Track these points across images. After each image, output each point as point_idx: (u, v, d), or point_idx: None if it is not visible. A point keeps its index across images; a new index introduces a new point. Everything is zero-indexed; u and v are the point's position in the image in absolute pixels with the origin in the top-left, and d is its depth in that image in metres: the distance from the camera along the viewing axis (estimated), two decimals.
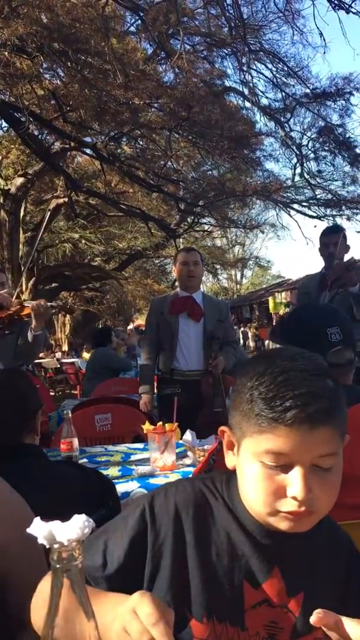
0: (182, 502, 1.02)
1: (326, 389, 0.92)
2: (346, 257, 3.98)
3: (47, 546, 0.64)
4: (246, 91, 11.81)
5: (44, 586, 0.92)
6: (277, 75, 11.91)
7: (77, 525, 0.64)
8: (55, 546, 0.64)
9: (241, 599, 0.97)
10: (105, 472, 2.30)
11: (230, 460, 1.03)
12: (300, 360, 0.95)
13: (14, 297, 3.88)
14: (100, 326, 20.93)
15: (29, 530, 0.66)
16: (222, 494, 1.04)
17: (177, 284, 4.15)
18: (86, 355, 13.72)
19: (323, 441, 0.91)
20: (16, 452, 1.72)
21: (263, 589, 0.97)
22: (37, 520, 0.66)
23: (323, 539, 1.04)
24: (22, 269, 15.13)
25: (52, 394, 11.71)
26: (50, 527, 0.64)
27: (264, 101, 12.45)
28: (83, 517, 0.65)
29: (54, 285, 18.13)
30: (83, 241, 19.10)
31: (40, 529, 0.65)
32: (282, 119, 12.46)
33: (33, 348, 3.58)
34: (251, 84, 11.26)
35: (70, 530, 0.64)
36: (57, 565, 0.63)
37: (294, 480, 0.90)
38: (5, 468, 1.35)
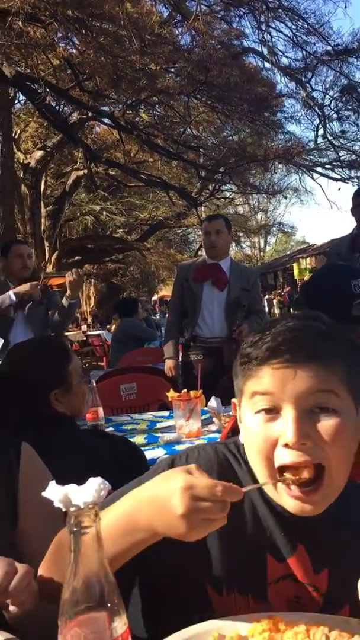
0: (205, 467, 0.93)
1: (311, 327, 0.90)
2: None
3: (64, 509, 0.63)
4: (265, 51, 11.49)
5: (62, 538, 0.89)
6: (297, 33, 11.49)
7: (92, 488, 0.63)
8: (72, 509, 0.62)
9: (264, 572, 0.93)
10: (132, 440, 2.31)
11: (241, 433, 0.98)
12: (295, 315, 0.93)
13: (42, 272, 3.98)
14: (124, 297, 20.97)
15: (44, 493, 0.65)
16: (247, 462, 0.97)
17: (200, 252, 4.13)
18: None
19: (311, 376, 0.85)
20: (48, 422, 1.72)
21: (287, 563, 0.93)
22: (52, 483, 0.65)
23: (349, 511, 0.98)
24: (45, 242, 15.20)
25: None
26: (65, 490, 0.63)
27: (284, 61, 12.09)
28: (99, 479, 0.64)
29: (76, 258, 18.18)
30: (104, 213, 19.07)
31: (55, 492, 0.63)
32: (303, 79, 12.10)
33: (67, 316, 3.70)
34: (270, 44, 10.94)
35: (86, 493, 0.63)
36: (74, 529, 0.62)
37: (285, 424, 0.85)
38: (38, 438, 1.34)
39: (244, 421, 0.93)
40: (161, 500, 0.75)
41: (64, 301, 3.66)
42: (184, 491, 0.72)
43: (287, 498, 0.88)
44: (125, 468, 1.73)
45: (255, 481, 0.94)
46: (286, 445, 0.84)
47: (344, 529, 0.97)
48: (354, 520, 0.98)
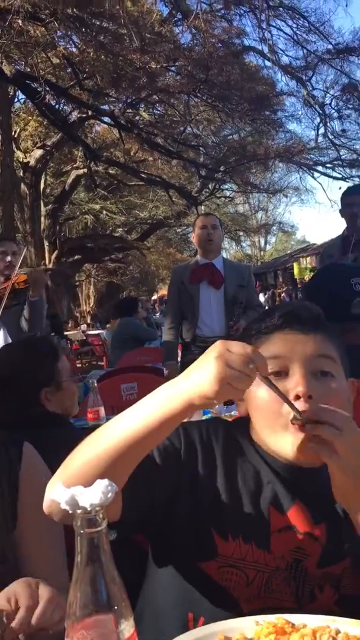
0: (213, 430, 1.09)
1: (316, 309, 1.05)
2: None
3: (70, 511, 0.62)
4: (266, 49, 11.44)
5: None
6: (298, 31, 11.44)
7: (99, 490, 0.62)
8: (78, 511, 0.62)
9: (267, 522, 1.01)
10: None
11: (242, 407, 1.08)
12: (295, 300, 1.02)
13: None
14: (124, 297, 20.95)
15: (51, 495, 0.64)
16: (248, 434, 1.08)
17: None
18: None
19: (316, 341, 1.00)
20: (41, 421, 1.71)
21: (288, 515, 1.01)
22: (59, 485, 0.64)
23: None
24: (44, 242, 15.17)
25: (78, 365, 11.81)
26: (72, 492, 0.62)
27: (285, 59, 12.02)
28: (105, 481, 0.63)
29: (76, 257, 18.16)
30: (104, 212, 19.07)
31: (62, 494, 0.63)
32: (304, 78, 12.04)
33: (31, 316, 3.57)
34: (271, 42, 10.89)
35: (93, 494, 0.62)
36: (81, 531, 0.61)
37: (295, 380, 0.97)
38: (32, 437, 1.33)
39: (254, 391, 1.00)
40: (198, 361, 0.84)
41: (27, 302, 3.55)
42: (220, 343, 0.82)
43: (289, 438, 0.96)
44: None
45: (255, 450, 1.06)
46: (296, 397, 0.95)
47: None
48: None
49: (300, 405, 0.94)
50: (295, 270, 24.03)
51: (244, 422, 1.09)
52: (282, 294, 24.23)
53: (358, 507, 0.92)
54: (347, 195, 3.97)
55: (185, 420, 0.89)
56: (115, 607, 0.62)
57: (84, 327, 17.73)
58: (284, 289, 23.77)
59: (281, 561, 0.99)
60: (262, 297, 20.63)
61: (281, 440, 0.98)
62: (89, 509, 0.61)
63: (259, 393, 1.00)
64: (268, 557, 0.99)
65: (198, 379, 0.81)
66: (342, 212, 3.96)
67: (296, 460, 0.97)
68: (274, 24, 11.12)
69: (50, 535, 1.17)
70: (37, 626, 0.86)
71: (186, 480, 1.03)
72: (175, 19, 10.95)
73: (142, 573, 1.13)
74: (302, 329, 1.00)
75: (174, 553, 1.05)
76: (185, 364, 3.99)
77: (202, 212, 14.52)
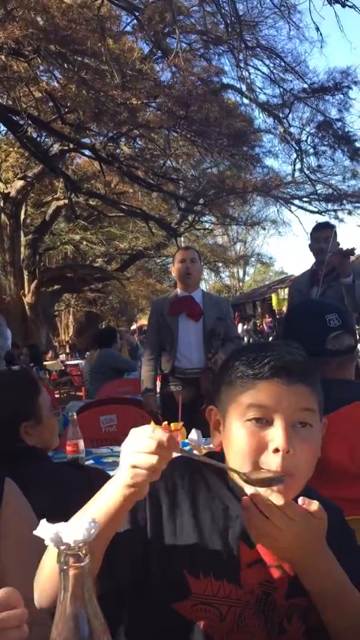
0: (179, 475, 1.09)
1: (302, 355, 1.05)
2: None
3: (54, 548, 0.64)
4: (244, 88, 11.80)
5: (46, 563, 0.93)
6: (275, 71, 11.89)
7: (83, 527, 0.64)
8: (62, 548, 0.63)
9: (237, 557, 1.02)
10: (112, 473, 2.29)
11: (216, 439, 1.09)
12: (285, 343, 1.08)
13: None
14: (103, 327, 20.88)
15: (35, 532, 0.66)
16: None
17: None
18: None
19: (301, 394, 1.00)
20: (18, 455, 1.70)
21: (257, 549, 1.02)
22: (43, 522, 0.66)
23: None
24: (24, 271, 15.13)
25: (57, 396, 11.69)
26: (56, 528, 0.64)
27: (262, 97, 12.42)
28: (88, 518, 0.65)
29: (56, 287, 18.14)
30: (84, 242, 19.13)
31: (46, 531, 0.65)
32: (281, 115, 12.41)
33: None
34: (249, 80, 11.24)
35: (77, 531, 0.64)
36: (64, 567, 0.63)
37: (276, 433, 0.97)
38: (11, 472, 1.33)
39: (230, 427, 1.04)
40: None
41: None
42: (130, 433, 0.86)
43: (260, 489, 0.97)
44: None
45: (224, 483, 1.07)
46: (276, 451, 0.96)
47: None
48: None
49: (277, 458, 0.96)
50: (274, 301, 24.21)
51: (217, 457, 1.09)
52: (262, 325, 24.40)
53: (298, 561, 0.97)
54: (315, 231, 4.11)
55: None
56: None
57: (62, 357, 17.60)
58: (265, 320, 23.93)
59: (251, 595, 1.00)
60: (240, 328, 20.76)
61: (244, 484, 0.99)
62: (72, 545, 0.63)
63: (237, 439, 1.01)
64: (239, 592, 1.00)
65: (120, 472, 0.86)
66: (311, 247, 4.09)
67: None
68: (252, 64, 11.52)
69: (29, 571, 1.16)
70: None
71: (154, 534, 1.04)
72: (156, 57, 11.25)
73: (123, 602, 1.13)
74: (288, 380, 1.00)
75: (147, 597, 1.05)
76: (163, 395, 4.00)
77: (182, 243, 14.69)
